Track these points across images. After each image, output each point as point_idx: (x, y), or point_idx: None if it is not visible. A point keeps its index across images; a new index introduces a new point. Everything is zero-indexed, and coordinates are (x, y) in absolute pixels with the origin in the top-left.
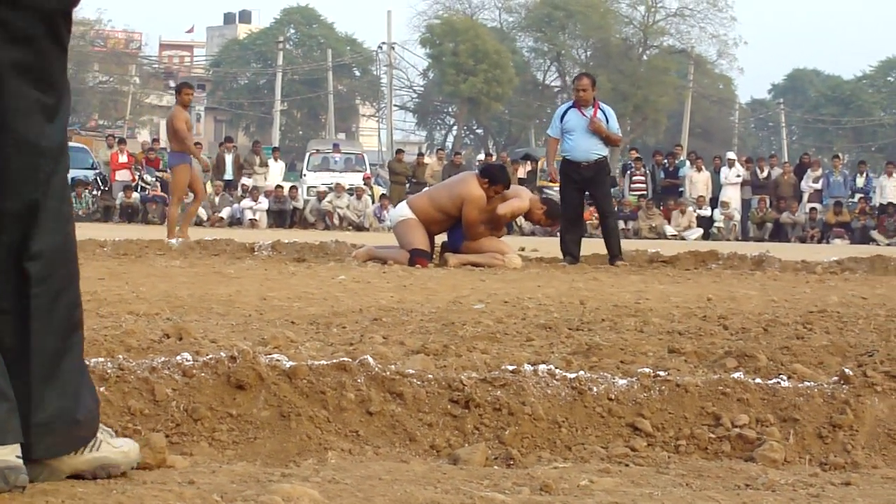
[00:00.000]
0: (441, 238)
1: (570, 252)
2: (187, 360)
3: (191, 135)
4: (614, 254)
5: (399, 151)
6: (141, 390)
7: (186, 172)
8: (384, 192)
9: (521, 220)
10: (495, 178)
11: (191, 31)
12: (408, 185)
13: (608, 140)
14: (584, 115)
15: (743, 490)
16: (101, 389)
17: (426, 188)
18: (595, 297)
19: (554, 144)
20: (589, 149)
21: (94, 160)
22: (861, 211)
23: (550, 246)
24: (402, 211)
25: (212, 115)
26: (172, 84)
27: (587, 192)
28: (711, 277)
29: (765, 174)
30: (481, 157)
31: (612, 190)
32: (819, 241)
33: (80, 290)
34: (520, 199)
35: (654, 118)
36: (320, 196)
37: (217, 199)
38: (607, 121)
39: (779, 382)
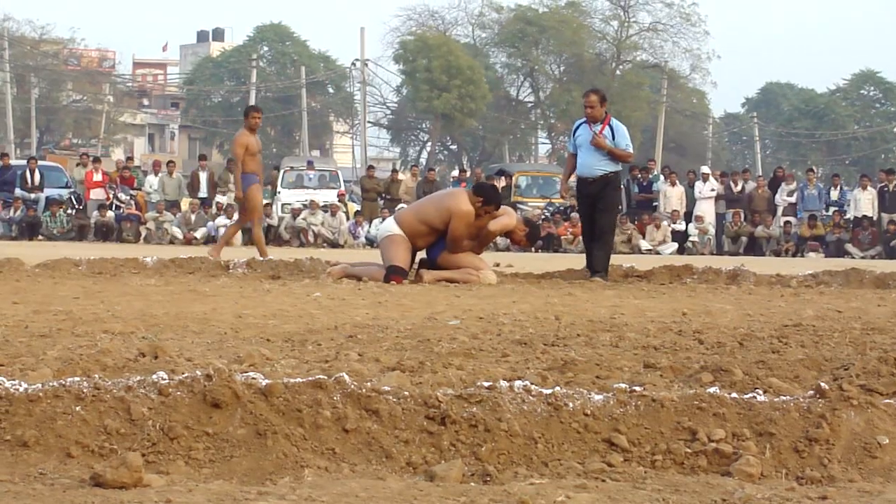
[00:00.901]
0: (421, 254)
1: (604, 266)
2: (163, 379)
3: (254, 159)
4: (595, 269)
5: (370, 168)
6: (117, 409)
7: (258, 192)
8: (358, 209)
9: (498, 237)
10: (490, 198)
11: (165, 48)
12: (381, 202)
13: (614, 156)
14: (592, 130)
15: None
16: (77, 409)
17: (413, 203)
18: (570, 312)
19: (570, 160)
20: (593, 164)
21: (68, 179)
22: (835, 224)
23: (525, 262)
24: (389, 226)
25: (186, 133)
26: (146, 102)
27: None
28: (686, 292)
29: (739, 188)
30: (455, 173)
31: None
32: (794, 255)
33: None
34: (508, 216)
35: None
36: (295, 213)
37: (193, 217)
38: (613, 136)
39: (755, 397)
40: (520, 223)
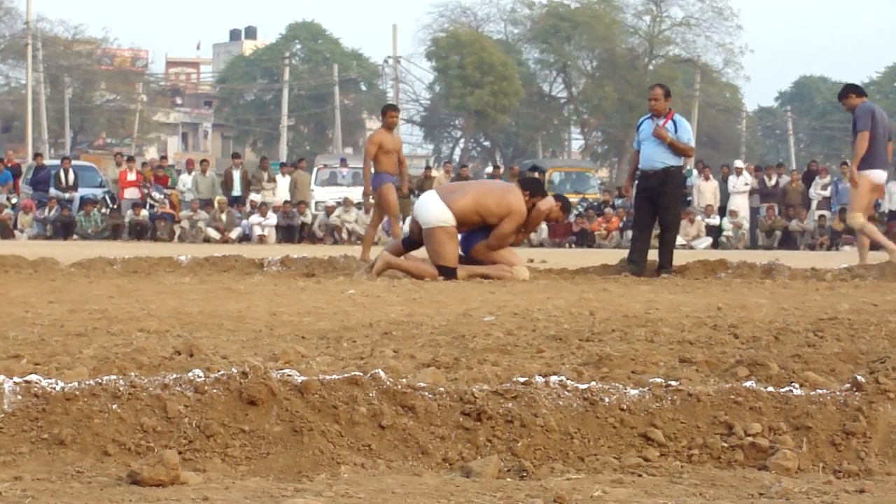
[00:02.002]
0: None
1: (633, 259)
2: (199, 377)
3: (389, 157)
4: (661, 264)
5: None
6: (153, 407)
7: (391, 191)
8: None
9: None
10: (536, 189)
11: (198, 47)
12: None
13: (675, 149)
14: (655, 124)
15: (756, 499)
16: (114, 407)
17: (461, 183)
18: (605, 307)
19: (635, 156)
20: (654, 157)
21: (102, 178)
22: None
23: (559, 257)
24: (442, 214)
25: (219, 132)
26: (179, 101)
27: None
28: (721, 286)
29: (773, 182)
30: (489, 169)
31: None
32: (828, 249)
33: None
34: (548, 199)
35: None
36: (328, 211)
37: (224, 216)
38: (676, 130)
39: (791, 390)
40: (554, 207)
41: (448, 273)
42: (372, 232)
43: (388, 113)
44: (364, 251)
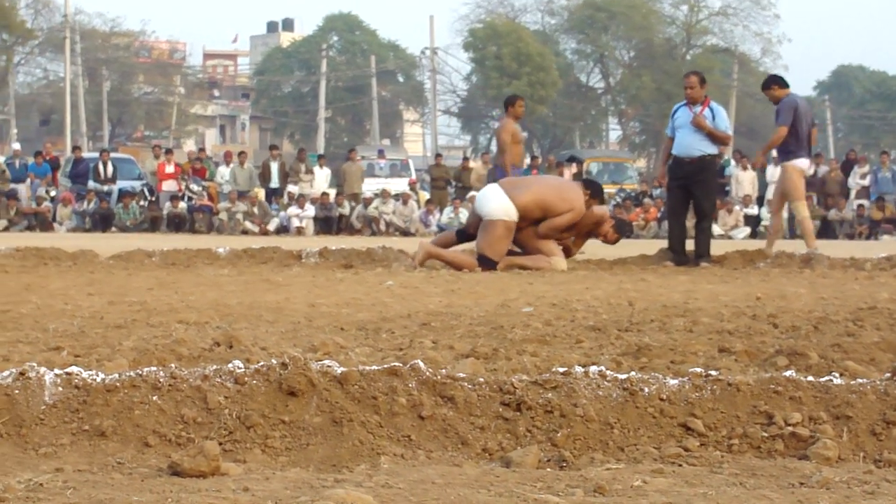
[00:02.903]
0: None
1: (672, 248)
2: (239, 368)
3: (518, 148)
4: (699, 253)
5: (438, 156)
6: (193, 398)
7: None
8: (429, 198)
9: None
10: (596, 191)
11: (235, 39)
12: (452, 190)
13: (713, 137)
14: (692, 112)
15: (797, 488)
16: (154, 398)
17: (522, 178)
18: (643, 297)
19: (668, 143)
20: (691, 144)
21: (140, 171)
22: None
23: (597, 248)
24: (507, 209)
25: (256, 124)
26: (217, 94)
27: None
28: (760, 276)
29: (811, 171)
30: (527, 160)
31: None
32: (867, 238)
33: None
34: (604, 208)
35: None
36: (366, 202)
37: (255, 209)
38: (713, 118)
39: (831, 380)
40: (609, 221)
41: (489, 265)
42: None
43: (518, 102)
44: None
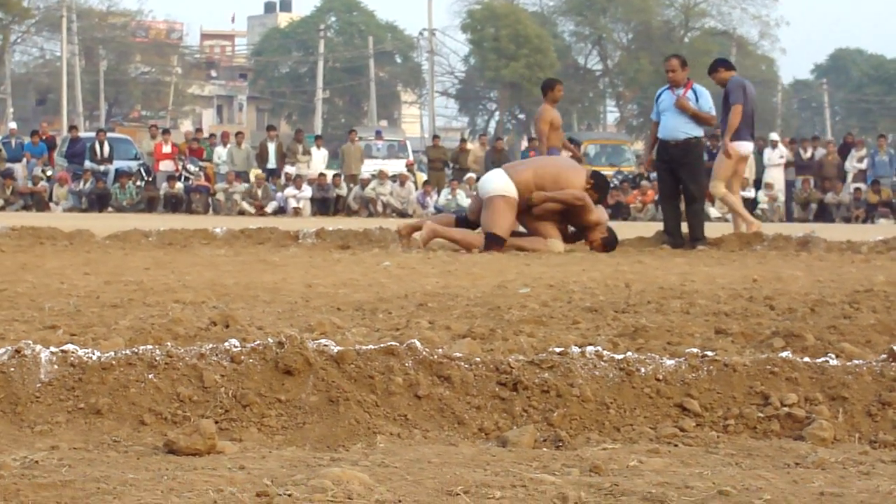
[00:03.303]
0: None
1: (668, 231)
2: (235, 347)
3: (557, 134)
4: (693, 237)
5: (436, 137)
6: (190, 377)
7: None
8: (427, 179)
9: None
10: (602, 188)
11: (233, 20)
12: (450, 171)
13: (698, 119)
14: (675, 95)
15: (793, 469)
16: (150, 377)
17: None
18: (640, 279)
19: (654, 128)
20: (676, 127)
21: (137, 151)
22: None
23: None
24: (504, 185)
25: (254, 105)
26: (214, 74)
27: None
28: (757, 259)
29: (808, 155)
30: (525, 143)
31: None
32: (864, 221)
33: None
34: (602, 212)
35: None
36: (363, 183)
37: (259, 192)
38: (697, 100)
39: (827, 361)
40: (603, 227)
41: (496, 242)
42: None
43: (557, 87)
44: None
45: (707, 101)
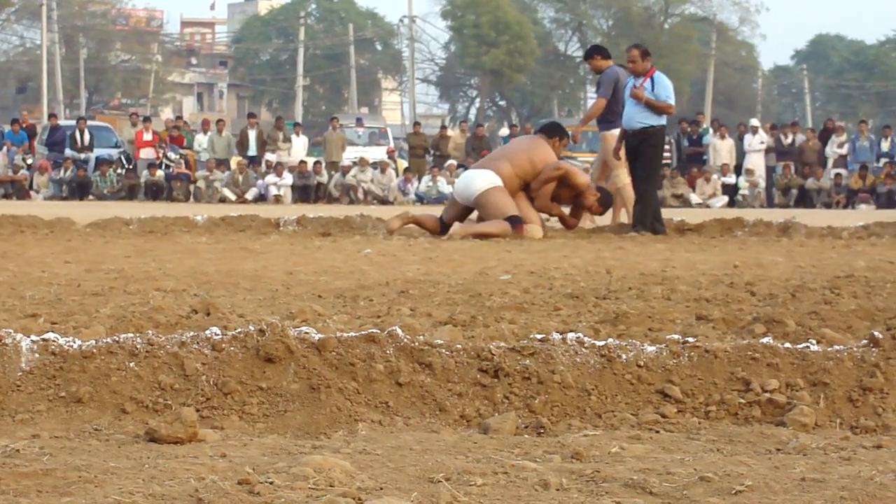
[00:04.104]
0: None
1: (639, 220)
2: (216, 335)
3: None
4: (633, 222)
5: (416, 124)
6: (171, 365)
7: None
8: (408, 166)
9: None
10: (558, 131)
11: (213, 8)
12: (430, 158)
13: (651, 107)
14: (634, 84)
15: (774, 454)
16: (131, 365)
17: (496, 152)
18: (621, 265)
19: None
20: (633, 117)
21: (118, 139)
22: (887, 175)
23: None
24: (490, 178)
25: (234, 92)
26: (194, 61)
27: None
28: (737, 244)
29: (789, 140)
30: (505, 130)
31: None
32: (845, 207)
33: None
34: (584, 174)
35: (677, 87)
36: (344, 170)
37: (241, 178)
38: (653, 88)
39: (808, 347)
40: (591, 191)
41: (518, 221)
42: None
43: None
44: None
45: (664, 90)
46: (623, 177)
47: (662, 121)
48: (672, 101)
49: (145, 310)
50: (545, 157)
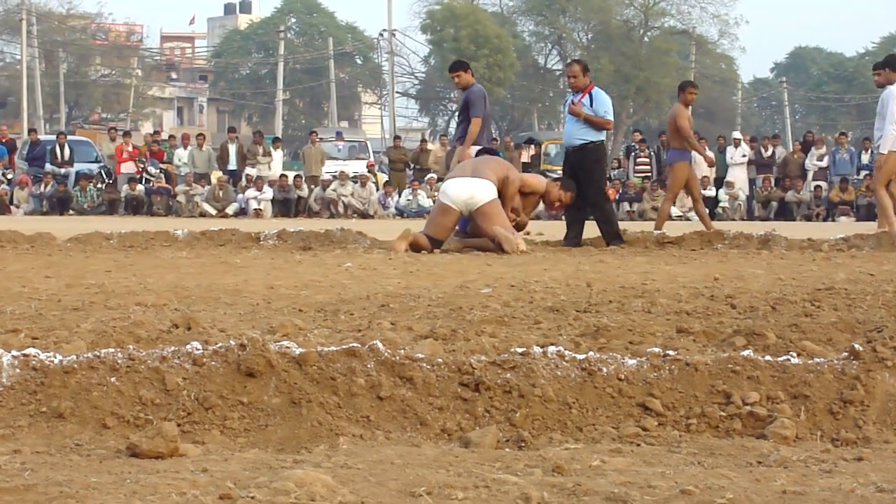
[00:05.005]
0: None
1: (568, 234)
2: (197, 349)
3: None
4: (608, 241)
5: (396, 138)
6: (152, 380)
7: (685, 170)
8: (388, 180)
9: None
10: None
11: (192, 22)
12: (411, 172)
13: (590, 123)
14: (572, 100)
15: (755, 467)
16: (112, 380)
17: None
18: (601, 279)
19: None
20: (572, 133)
21: (98, 153)
22: (867, 188)
23: (556, 229)
24: (492, 189)
25: (214, 106)
26: (174, 76)
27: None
28: (718, 257)
29: (769, 153)
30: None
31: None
32: (825, 219)
33: None
34: (538, 178)
35: (656, 100)
36: (324, 184)
37: (221, 193)
38: (591, 104)
39: (789, 359)
40: (551, 184)
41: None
42: (667, 207)
43: (688, 89)
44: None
45: (602, 105)
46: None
47: (602, 136)
48: (610, 117)
49: (126, 325)
50: (502, 165)
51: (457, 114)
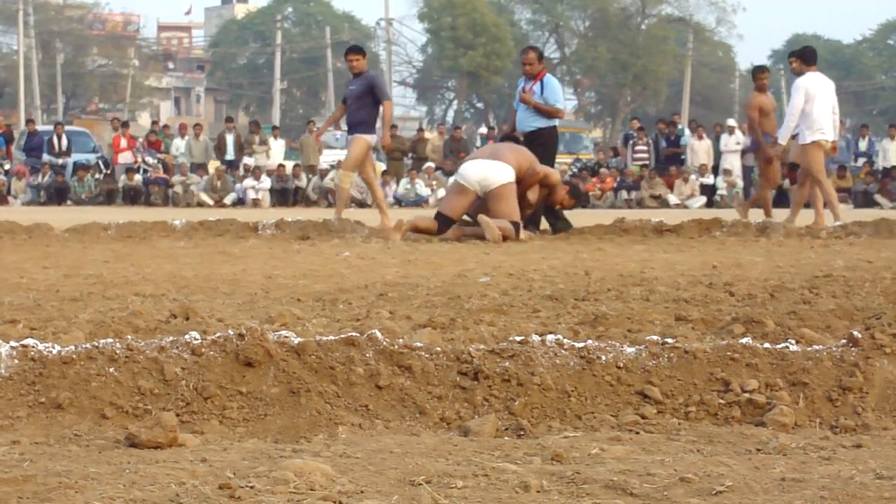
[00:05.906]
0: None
1: (532, 220)
2: (196, 339)
3: (769, 119)
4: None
5: (393, 127)
6: (150, 370)
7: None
8: (385, 169)
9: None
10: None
11: (189, 12)
12: (409, 161)
13: (539, 111)
14: (523, 87)
15: (754, 454)
16: (111, 370)
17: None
18: (600, 267)
19: (512, 117)
20: (523, 120)
21: (95, 144)
22: (865, 174)
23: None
24: (510, 173)
25: (212, 96)
26: (171, 66)
27: None
28: (716, 245)
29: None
30: (483, 130)
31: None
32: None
33: None
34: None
35: (654, 87)
36: (322, 174)
37: (219, 184)
38: (542, 92)
39: (787, 347)
40: (562, 185)
41: (516, 227)
42: (759, 194)
43: (758, 75)
44: (745, 208)
45: (553, 93)
46: (348, 179)
47: (553, 122)
48: (561, 105)
49: (124, 315)
50: (527, 155)
51: (344, 100)
